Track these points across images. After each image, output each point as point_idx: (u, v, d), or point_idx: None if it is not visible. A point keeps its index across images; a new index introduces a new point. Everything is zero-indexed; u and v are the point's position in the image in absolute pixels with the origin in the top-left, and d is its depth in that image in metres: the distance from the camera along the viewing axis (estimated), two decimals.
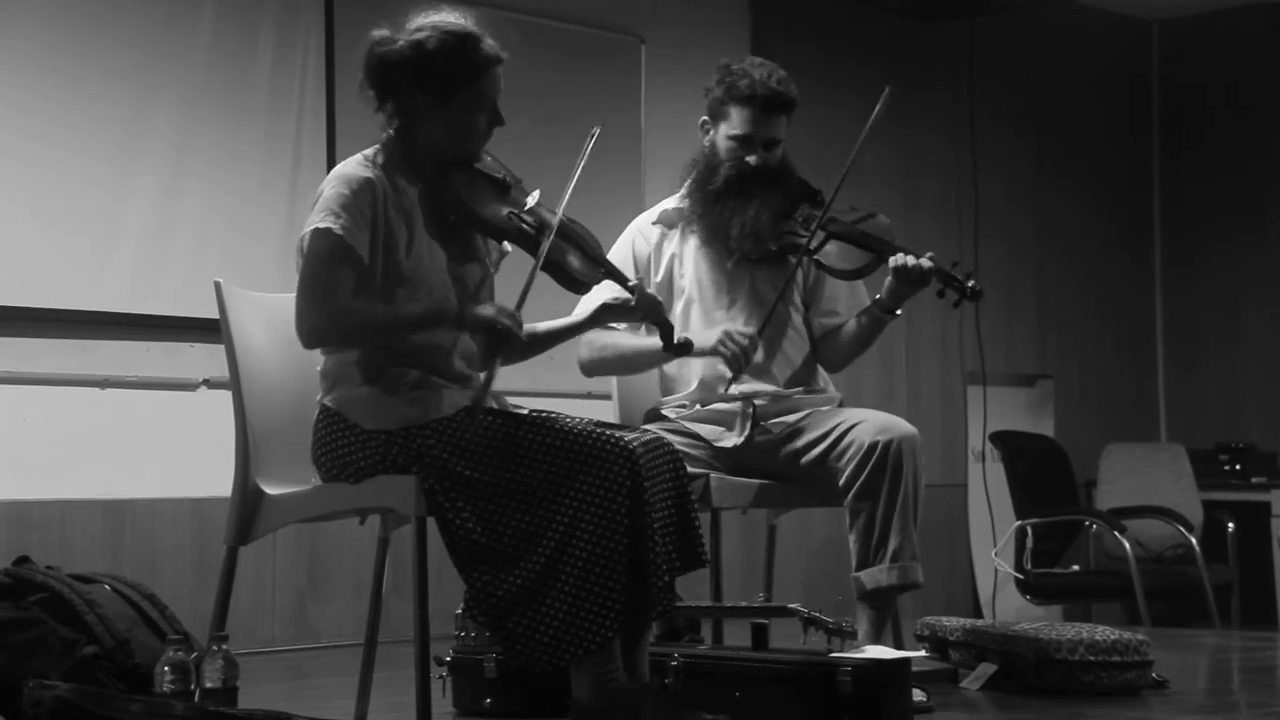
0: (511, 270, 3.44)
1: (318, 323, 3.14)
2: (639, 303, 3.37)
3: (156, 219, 5.31)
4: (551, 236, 3.24)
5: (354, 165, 3.25)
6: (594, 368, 4.02)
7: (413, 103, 3.24)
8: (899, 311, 4.01)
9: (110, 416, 5.23)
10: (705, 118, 4.09)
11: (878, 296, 3.99)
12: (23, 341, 5.08)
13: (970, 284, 3.88)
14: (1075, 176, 8.32)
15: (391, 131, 3.29)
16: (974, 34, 7.64)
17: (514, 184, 3.35)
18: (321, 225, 3.14)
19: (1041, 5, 7.83)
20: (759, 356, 3.98)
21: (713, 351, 3.86)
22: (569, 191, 3.30)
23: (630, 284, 3.39)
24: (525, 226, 3.28)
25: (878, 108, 3.93)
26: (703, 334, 3.88)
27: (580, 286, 3.36)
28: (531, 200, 3.34)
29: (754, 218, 3.97)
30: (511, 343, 3.20)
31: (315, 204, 3.20)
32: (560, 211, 3.30)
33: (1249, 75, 8.35)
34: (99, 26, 5.24)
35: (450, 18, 3.27)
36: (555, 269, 3.29)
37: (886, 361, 7.37)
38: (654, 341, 3.72)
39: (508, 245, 3.41)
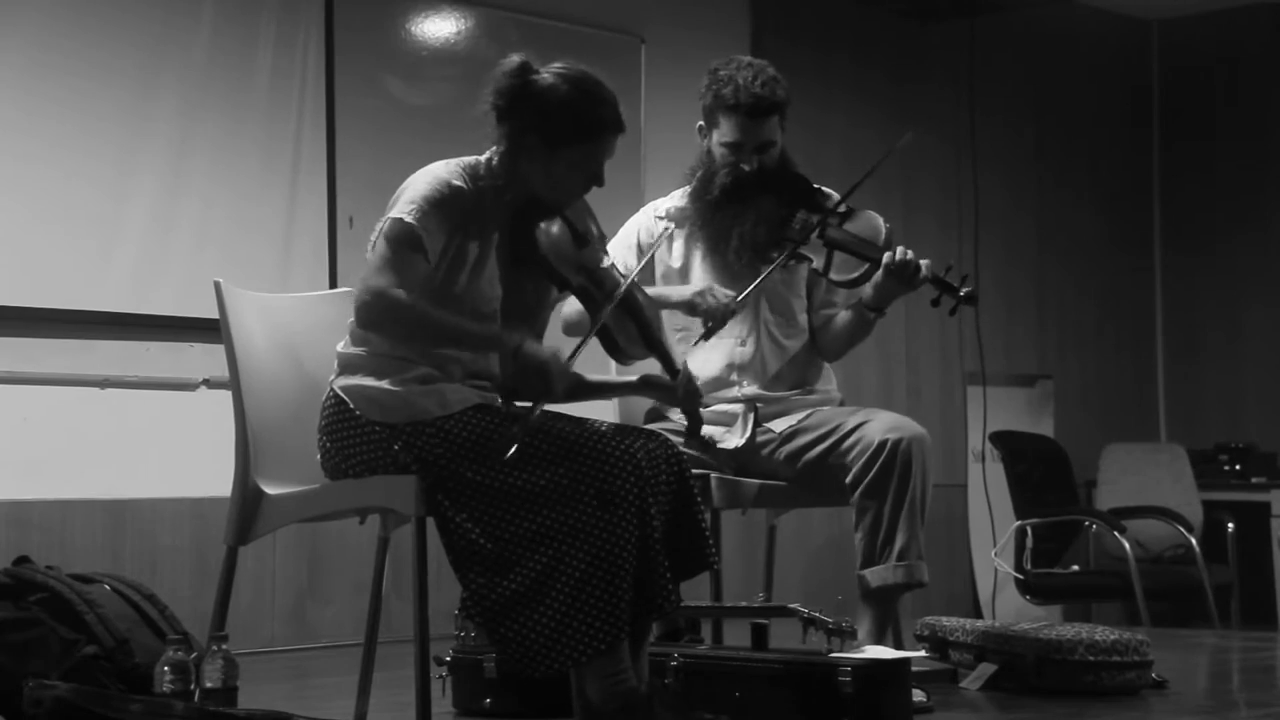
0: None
1: (384, 302, 3.11)
2: (679, 389, 3.38)
3: (156, 219, 5.31)
4: (613, 305, 3.23)
5: (450, 172, 3.23)
6: (573, 330, 3.94)
7: (523, 139, 3.23)
8: (885, 311, 3.99)
9: (110, 416, 5.23)
10: (700, 123, 4.08)
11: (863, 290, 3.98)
12: (23, 341, 5.08)
13: (964, 289, 3.86)
14: (1075, 176, 8.32)
15: (497, 152, 3.27)
16: (974, 34, 7.64)
17: (594, 239, 3.34)
18: (407, 217, 3.13)
19: (1041, 5, 7.83)
20: (749, 352, 3.99)
21: (688, 303, 3.82)
22: (639, 266, 3.32)
23: (676, 369, 3.38)
24: (588, 286, 3.27)
25: (895, 147, 3.90)
26: (682, 288, 3.86)
27: (621, 356, 3.34)
28: (606, 261, 3.34)
29: (751, 229, 3.96)
30: (551, 392, 3.14)
31: (400, 195, 3.19)
32: (627, 280, 3.29)
33: (1249, 75, 8.35)
34: (99, 26, 5.24)
35: (589, 71, 3.26)
36: (604, 333, 3.28)
37: (886, 361, 7.37)
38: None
39: None
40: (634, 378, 3.48)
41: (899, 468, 3.80)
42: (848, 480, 3.85)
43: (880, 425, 3.86)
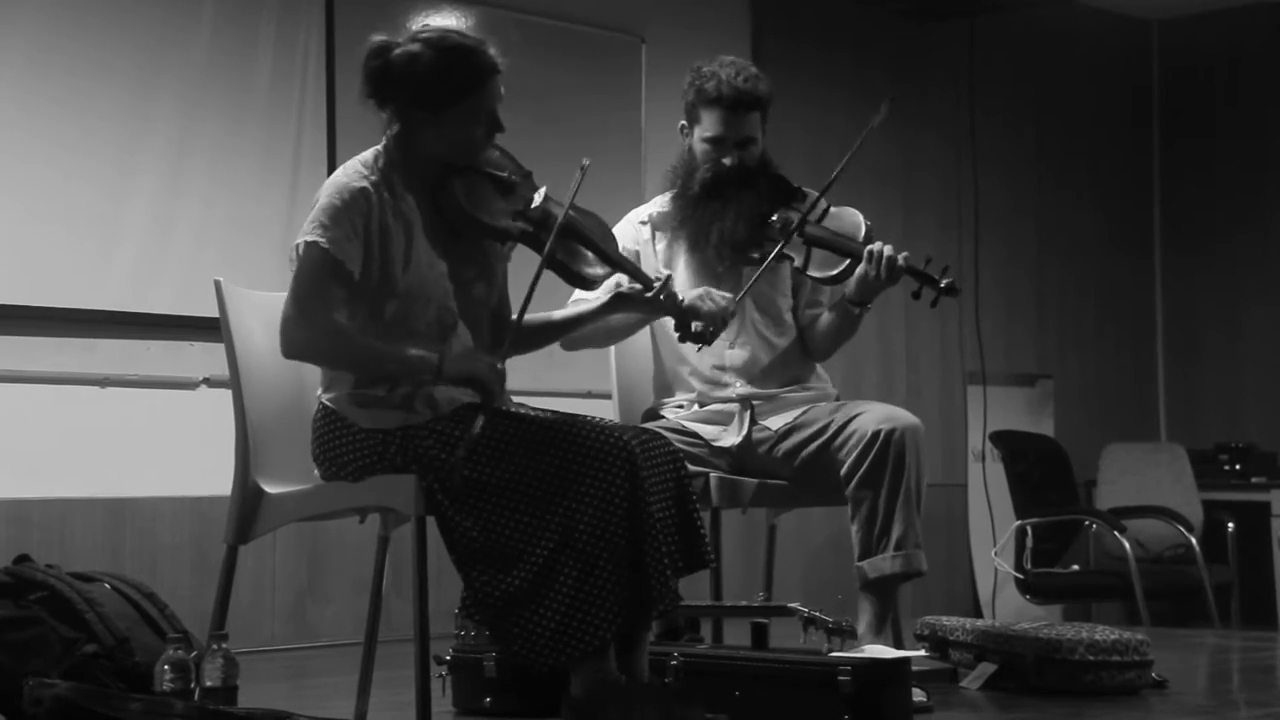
0: (522, 262, 3.43)
1: (299, 338, 3.14)
2: (657, 295, 3.38)
3: (156, 218, 5.31)
4: (553, 237, 3.22)
5: (351, 173, 3.22)
6: (575, 343, 3.90)
7: (408, 114, 3.22)
8: (869, 306, 3.98)
9: (110, 415, 5.23)
10: (683, 122, 4.09)
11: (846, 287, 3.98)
12: (23, 340, 5.08)
13: (945, 280, 3.84)
14: (1075, 176, 8.32)
15: (391, 135, 3.27)
16: (974, 34, 7.64)
17: (520, 180, 3.31)
18: (310, 238, 3.13)
19: (1042, 5, 7.83)
20: (740, 354, 3.99)
21: (690, 309, 3.77)
22: (572, 193, 3.27)
23: (644, 275, 3.39)
24: (528, 228, 3.26)
25: (876, 118, 3.88)
26: (685, 291, 3.86)
27: (586, 283, 3.35)
28: (538, 198, 3.30)
29: (731, 226, 3.95)
30: (491, 394, 3.15)
31: (310, 211, 3.19)
32: (565, 207, 3.25)
33: (1249, 75, 8.35)
34: (99, 26, 5.24)
35: (450, 24, 3.25)
36: (560, 268, 3.28)
37: (886, 360, 7.37)
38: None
39: None
40: (606, 298, 3.46)
41: (893, 458, 3.80)
42: (842, 473, 3.85)
43: (873, 417, 3.86)
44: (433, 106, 3.20)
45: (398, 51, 3.21)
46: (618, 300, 3.44)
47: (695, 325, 3.47)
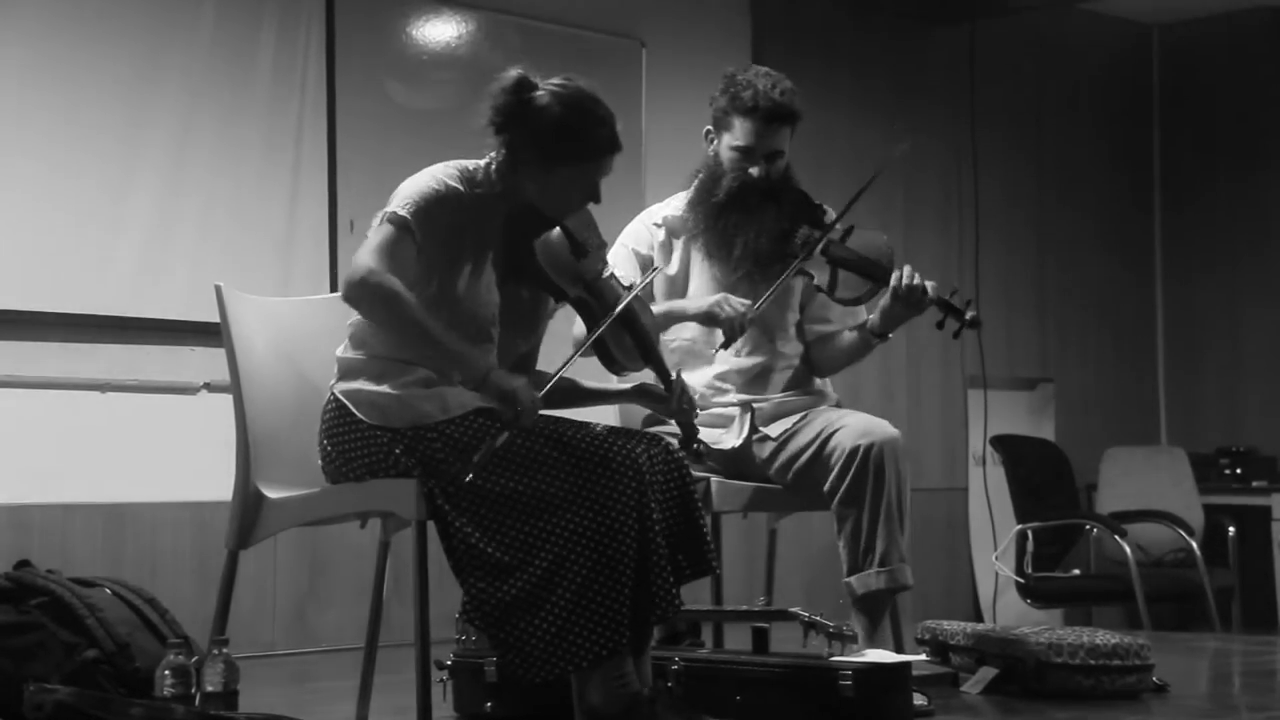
0: (562, 320, 3.46)
1: (371, 281, 3.07)
2: (673, 400, 3.41)
3: (157, 221, 5.32)
4: (610, 320, 3.24)
5: (447, 174, 3.23)
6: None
7: (519, 154, 3.24)
8: (889, 336, 4.00)
9: (110, 420, 5.23)
10: (709, 127, 4.08)
11: (870, 317, 4.00)
12: (23, 345, 5.08)
13: (969, 313, 3.86)
14: (1075, 180, 8.32)
15: (496, 160, 3.27)
16: (974, 39, 7.64)
17: (593, 250, 3.33)
18: (403, 212, 3.13)
19: (1042, 10, 7.83)
20: (745, 362, 3.99)
21: (707, 314, 3.83)
22: (640, 284, 3.34)
23: (671, 380, 3.41)
24: (586, 296, 3.28)
25: (895, 153, 3.90)
26: (699, 299, 3.88)
27: (616, 368, 3.36)
28: (607, 271, 3.34)
29: (755, 239, 3.96)
30: (518, 417, 3.08)
31: (398, 192, 3.19)
32: (628, 295, 3.30)
33: (1249, 79, 8.35)
34: (99, 26, 5.24)
35: (587, 88, 3.27)
36: (599, 346, 3.29)
37: (887, 365, 7.36)
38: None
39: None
40: (629, 386, 3.51)
41: (872, 474, 3.81)
42: (825, 489, 3.87)
43: (851, 432, 3.86)
44: (544, 159, 3.22)
45: (534, 94, 3.22)
46: (637, 394, 3.49)
47: (696, 445, 3.48)
